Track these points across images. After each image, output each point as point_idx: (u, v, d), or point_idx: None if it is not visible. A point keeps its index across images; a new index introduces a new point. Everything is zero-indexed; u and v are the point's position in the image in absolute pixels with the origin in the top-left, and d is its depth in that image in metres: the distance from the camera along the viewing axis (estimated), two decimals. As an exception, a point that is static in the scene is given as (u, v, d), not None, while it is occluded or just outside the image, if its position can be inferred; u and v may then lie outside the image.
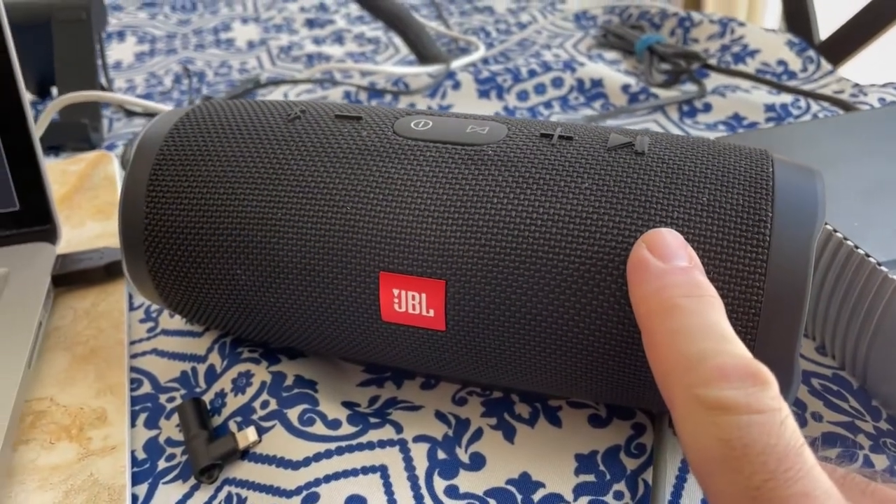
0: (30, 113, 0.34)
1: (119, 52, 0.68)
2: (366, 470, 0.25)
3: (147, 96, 0.59)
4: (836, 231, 0.27)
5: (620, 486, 0.25)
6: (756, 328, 0.22)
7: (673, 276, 0.20)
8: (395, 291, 0.24)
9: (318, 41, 0.68)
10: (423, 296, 0.24)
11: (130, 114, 0.54)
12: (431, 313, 0.24)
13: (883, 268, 0.25)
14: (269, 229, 0.25)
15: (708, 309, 0.19)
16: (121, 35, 0.71)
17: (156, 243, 0.26)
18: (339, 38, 0.68)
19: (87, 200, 0.41)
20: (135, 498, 0.25)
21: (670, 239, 0.21)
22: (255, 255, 0.25)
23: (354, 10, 0.76)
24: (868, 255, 0.26)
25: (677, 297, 0.19)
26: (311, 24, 0.72)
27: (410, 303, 0.24)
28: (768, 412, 0.16)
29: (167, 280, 0.27)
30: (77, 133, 0.48)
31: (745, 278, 0.22)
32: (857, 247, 0.26)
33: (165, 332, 0.33)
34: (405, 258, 0.24)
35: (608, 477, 0.25)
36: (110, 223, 0.39)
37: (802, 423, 0.27)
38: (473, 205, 0.24)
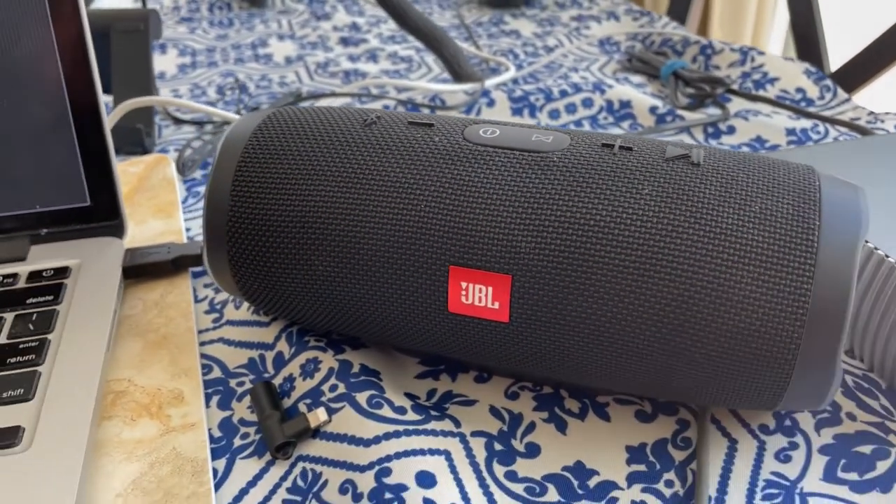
0: (105, 115, 0.37)
1: (162, 63, 0.70)
2: (432, 451, 0.27)
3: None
4: (867, 242, 0.29)
5: (670, 475, 0.27)
6: (803, 328, 0.23)
7: None
8: (464, 284, 0.26)
9: (353, 58, 0.71)
10: (490, 289, 0.26)
11: (178, 121, 0.57)
12: (496, 306, 0.26)
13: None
14: (348, 223, 0.27)
15: None
16: (162, 47, 0.74)
17: (238, 234, 0.28)
18: (373, 56, 0.71)
19: (147, 200, 0.43)
20: (214, 472, 0.27)
21: None
22: (333, 246, 0.27)
23: (386, 29, 0.78)
24: (899, 265, 0.28)
25: None
26: (345, 42, 0.75)
27: (477, 295, 0.26)
28: None
29: (246, 269, 0.29)
30: (132, 137, 0.50)
31: (793, 281, 0.23)
32: (887, 256, 0.29)
33: (231, 323, 0.34)
34: (474, 253, 0.26)
35: (658, 466, 0.27)
36: (171, 221, 0.41)
37: (838, 422, 0.29)
38: (540, 206, 0.26)
